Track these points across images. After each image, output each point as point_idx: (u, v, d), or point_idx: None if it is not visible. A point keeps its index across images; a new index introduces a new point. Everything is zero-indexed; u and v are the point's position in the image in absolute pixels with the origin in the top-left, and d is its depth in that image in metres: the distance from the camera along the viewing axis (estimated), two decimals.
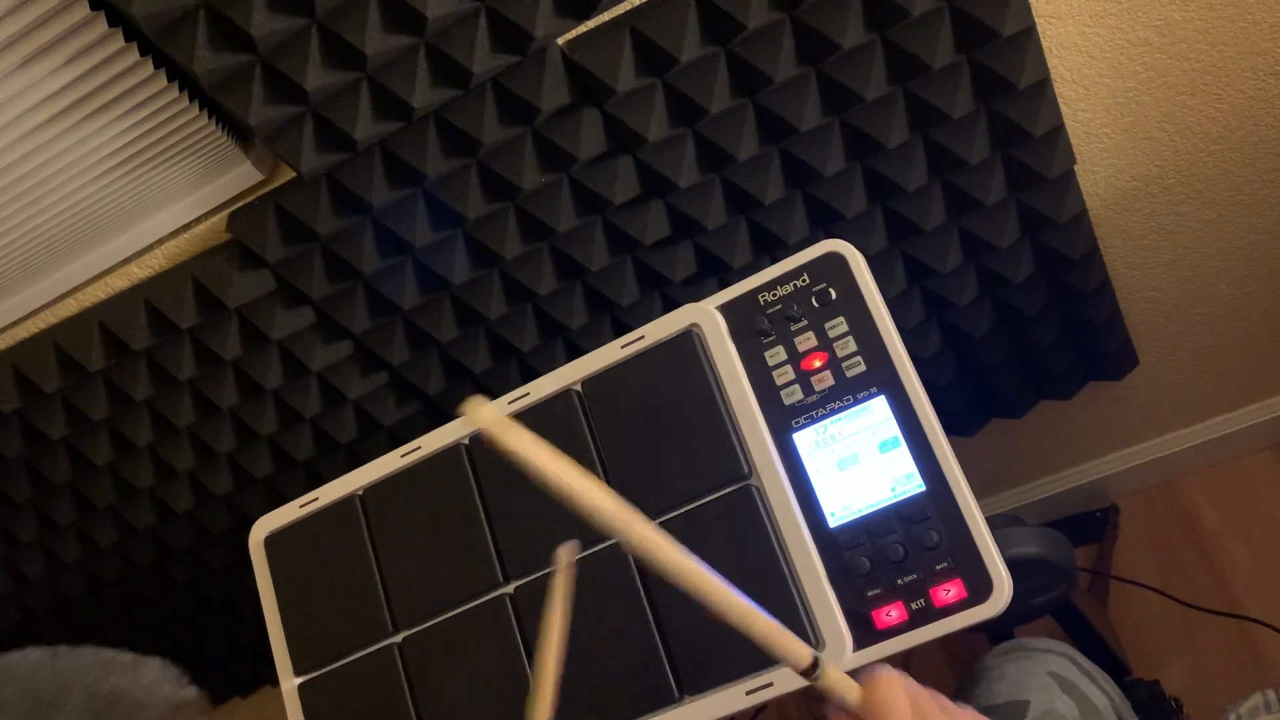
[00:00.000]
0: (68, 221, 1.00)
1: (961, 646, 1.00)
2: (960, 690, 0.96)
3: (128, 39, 0.84)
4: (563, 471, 0.52)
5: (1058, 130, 1.00)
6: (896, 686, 0.60)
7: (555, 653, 0.64)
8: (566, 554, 0.64)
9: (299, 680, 0.97)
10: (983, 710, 0.87)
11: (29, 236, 1.00)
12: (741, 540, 0.84)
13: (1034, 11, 0.94)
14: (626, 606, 0.86)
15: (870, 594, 0.81)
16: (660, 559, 0.55)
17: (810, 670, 0.58)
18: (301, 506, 1.00)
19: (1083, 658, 0.94)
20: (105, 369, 1.11)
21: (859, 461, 0.83)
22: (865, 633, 0.80)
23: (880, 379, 0.84)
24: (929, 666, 1.52)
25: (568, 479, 0.52)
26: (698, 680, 0.83)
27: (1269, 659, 1.42)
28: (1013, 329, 1.21)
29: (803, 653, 0.58)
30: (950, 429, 1.01)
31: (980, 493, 0.81)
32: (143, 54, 0.85)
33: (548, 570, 0.89)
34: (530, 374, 1.17)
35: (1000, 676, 0.91)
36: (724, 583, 0.56)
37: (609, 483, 0.88)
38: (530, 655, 0.89)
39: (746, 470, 0.85)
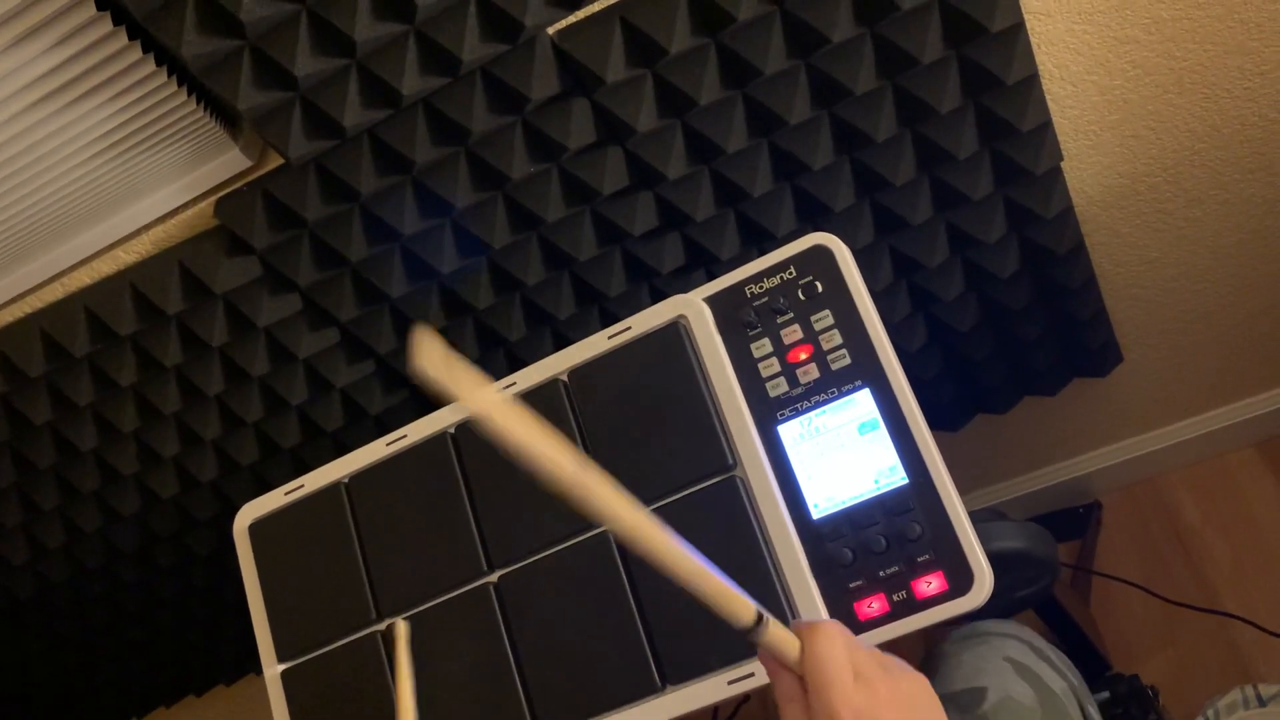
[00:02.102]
0: (54, 206, 0.99)
1: (940, 638, 1.01)
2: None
3: (116, 22, 0.83)
4: (523, 423, 0.50)
5: (1045, 126, 1.01)
6: (836, 642, 0.58)
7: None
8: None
9: (282, 667, 0.97)
10: (940, 698, 0.87)
11: (14, 221, 0.99)
12: (725, 531, 0.84)
13: (1023, 8, 0.94)
14: (610, 596, 0.86)
15: (852, 585, 0.81)
16: (612, 514, 0.53)
17: (753, 627, 0.58)
18: (286, 494, 1.00)
19: (1041, 640, 0.94)
20: (90, 354, 1.10)
21: (843, 453, 0.84)
22: (847, 624, 0.80)
23: (865, 372, 0.85)
24: (906, 655, 1.53)
25: (526, 430, 0.50)
26: (680, 670, 0.84)
27: (1248, 655, 1.43)
28: (998, 324, 1.22)
29: (746, 609, 0.57)
30: (935, 423, 1.01)
31: (964, 488, 0.82)
32: (131, 38, 0.85)
33: (532, 559, 0.90)
34: (517, 364, 1.17)
35: (958, 664, 0.90)
36: (677, 539, 0.55)
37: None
38: (514, 644, 0.89)
39: (731, 461, 0.86)
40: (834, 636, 0.59)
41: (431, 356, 0.48)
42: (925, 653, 0.99)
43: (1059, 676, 0.89)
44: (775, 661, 0.60)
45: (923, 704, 0.60)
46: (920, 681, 0.61)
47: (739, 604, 0.57)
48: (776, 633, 0.59)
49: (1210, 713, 1.27)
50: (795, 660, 0.59)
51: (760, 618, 0.58)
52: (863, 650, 0.60)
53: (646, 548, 0.55)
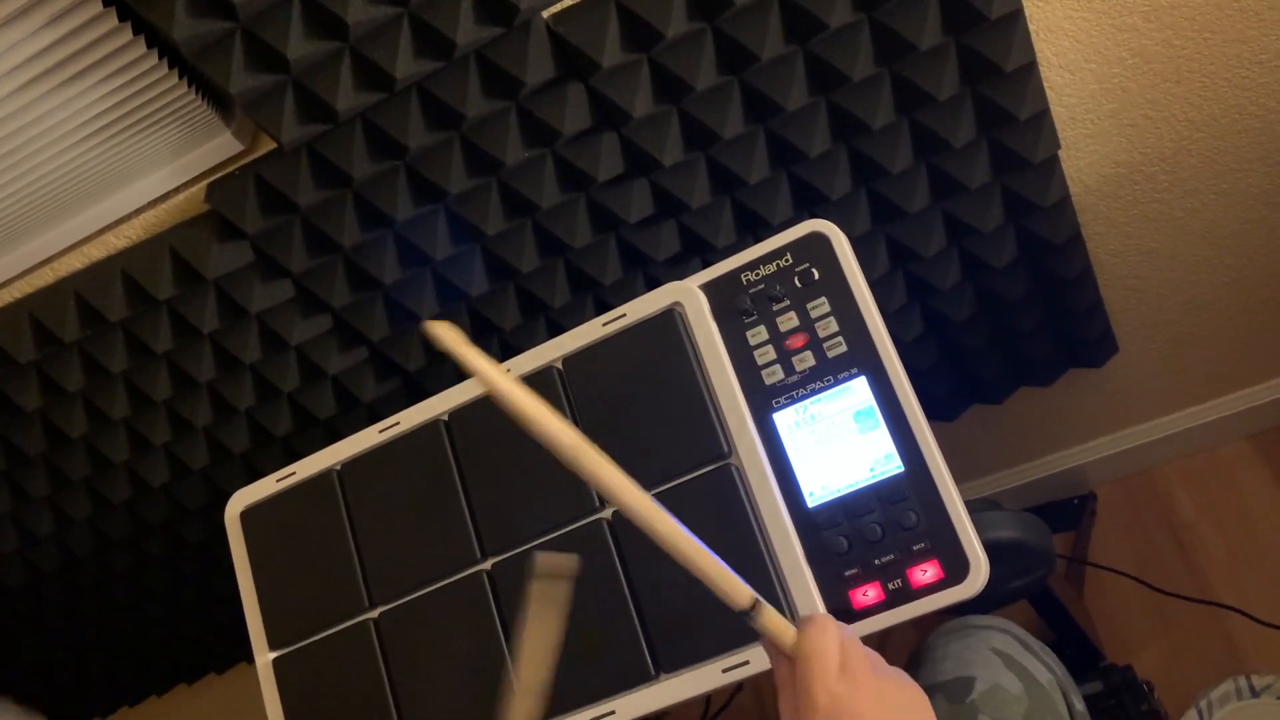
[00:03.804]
0: (43, 190, 0.98)
1: (930, 627, 1.01)
2: (907, 670, 0.96)
3: (106, 3, 0.82)
4: (517, 391, 0.58)
5: (1043, 115, 1.00)
6: (830, 634, 0.61)
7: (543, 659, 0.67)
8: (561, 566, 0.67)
9: (274, 655, 0.96)
10: (928, 689, 0.87)
11: (2, 205, 0.98)
12: (720, 519, 0.84)
13: None
14: (604, 584, 0.86)
15: (848, 573, 0.81)
16: (612, 490, 0.58)
17: (748, 612, 0.61)
18: (278, 481, 0.99)
19: (1026, 634, 0.95)
20: (80, 340, 1.10)
21: (838, 441, 0.83)
22: (842, 612, 0.80)
23: (861, 360, 0.84)
24: (901, 645, 1.52)
25: (521, 398, 0.58)
26: (674, 658, 0.83)
27: (1241, 646, 1.43)
28: (994, 314, 1.22)
29: (743, 593, 0.61)
30: (930, 414, 1.00)
31: (959, 478, 0.81)
32: (121, 19, 0.84)
33: (527, 547, 0.89)
34: (511, 351, 1.16)
35: (944, 655, 0.91)
36: (673, 519, 0.60)
37: None
38: (507, 633, 0.88)
39: (726, 449, 0.85)
40: (827, 627, 0.61)
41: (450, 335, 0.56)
42: (914, 646, 1.00)
43: (1044, 669, 0.89)
44: (775, 647, 0.63)
45: (909, 711, 0.61)
46: (913, 691, 0.63)
47: (735, 587, 0.61)
48: (772, 619, 0.62)
49: (1203, 703, 1.28)
50: (790, 647, 0.62)
51: (755, 604, 0.61)
52: (859, 649, 0.62)
53: (646, 524, 0.59)
